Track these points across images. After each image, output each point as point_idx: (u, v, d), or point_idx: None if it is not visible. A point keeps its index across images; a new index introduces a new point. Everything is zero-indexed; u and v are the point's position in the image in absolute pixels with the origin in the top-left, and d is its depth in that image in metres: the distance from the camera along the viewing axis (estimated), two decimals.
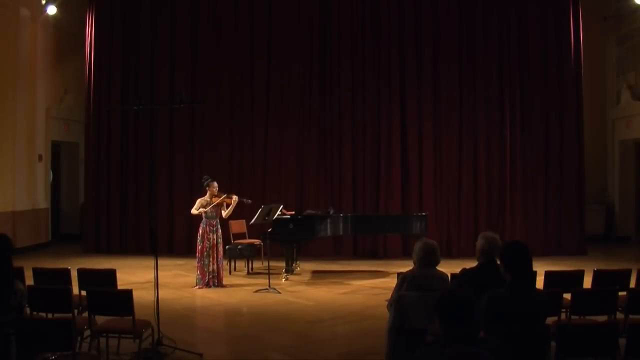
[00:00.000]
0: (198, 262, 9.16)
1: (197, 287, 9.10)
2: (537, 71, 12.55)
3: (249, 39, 12.87)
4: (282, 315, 7.61)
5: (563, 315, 5.72)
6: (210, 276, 9.12)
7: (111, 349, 5.58)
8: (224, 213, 9.27)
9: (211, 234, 9.13)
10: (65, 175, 15.17)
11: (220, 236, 9.26)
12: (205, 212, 9.09)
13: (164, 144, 12.68)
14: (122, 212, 13.03)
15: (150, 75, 12.95)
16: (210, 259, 9.11)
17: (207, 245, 9.10)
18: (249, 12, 12.90)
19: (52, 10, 13.00)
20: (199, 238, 9.17)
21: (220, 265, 9.23)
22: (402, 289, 4.85)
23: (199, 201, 9.18)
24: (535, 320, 4.01)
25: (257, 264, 10.59)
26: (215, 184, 9.20)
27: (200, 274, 9.12)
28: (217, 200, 9.12)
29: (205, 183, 9.21)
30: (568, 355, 4.23)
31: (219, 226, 9.26)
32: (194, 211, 9.19)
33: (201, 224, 9.20)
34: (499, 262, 4.28)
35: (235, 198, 9.20)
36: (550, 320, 4.81)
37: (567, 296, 5.72)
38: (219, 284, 9.18)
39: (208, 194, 9.17)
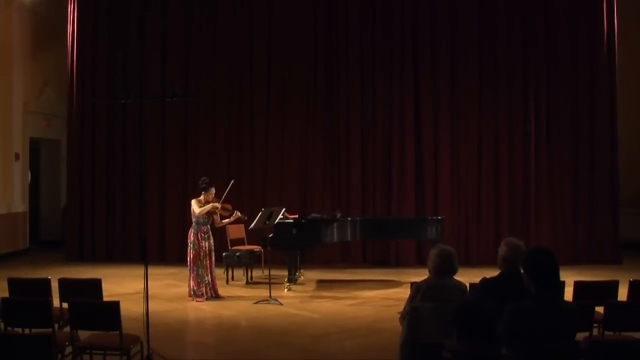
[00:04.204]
0: (191, 272, 9.15)
1: (197, 300, 9.04)
2: (566, 61, 12.49)
3: (248, 27, 12.85)
4: (284, 329, 7.63)
5: (595, 331, 5.71)
6: (208, 287, 9.15)
7: None
8: (218, 221, 9.35)
9: (203, 242, 9.14)
10: (45, 175, 15.21)
11: (212, 244, 9.29)
12: (197, 216, 9.11)
13: (154, 142, 12.70)
14: (108, 216, 13.06)
15: (139, 66, 12.95)
16: (204, 270, 9.13)
17: (201, 254, 9.11)
18: None
19: None
20: (190, 245, 9.15)
21: (213, 275, 9.26)
22: (416, 300, 4.86)
23: (196, 201, 9.13)
24: (563, 337, 4.00)
25: (257, 273, 10.60)
26: (213, 190, 9.15)
27: (196, 285, 9.10)
28: (209, 208, 9.07)
29: (202, 186, 9.18)
30: None
31: (211, 233, 9.29)
32: (199, 210, 9.03)
33: (191, 230, 9.18)
34: (522, 271, 4.28)
35: (236, 214, 9.25)
36: (580, 336, 4.79)
37: (600, 309, 5.70)
38: (216, 295, 9.21)
39: (203, 197, 9.16)
